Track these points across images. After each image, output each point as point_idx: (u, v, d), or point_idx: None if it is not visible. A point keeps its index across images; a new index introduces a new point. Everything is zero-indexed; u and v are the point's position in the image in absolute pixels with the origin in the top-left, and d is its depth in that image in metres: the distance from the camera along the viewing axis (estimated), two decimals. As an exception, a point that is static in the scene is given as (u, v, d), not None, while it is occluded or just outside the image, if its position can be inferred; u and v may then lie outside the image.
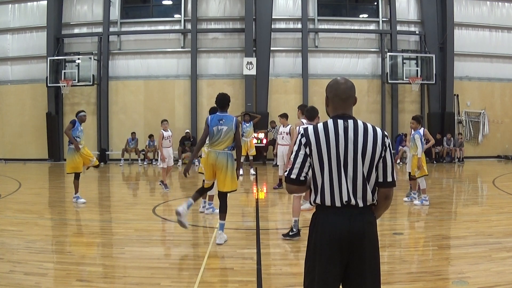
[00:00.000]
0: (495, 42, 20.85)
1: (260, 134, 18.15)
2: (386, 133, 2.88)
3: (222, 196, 6.42)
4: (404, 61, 20.02)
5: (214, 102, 6.75)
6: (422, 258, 5.79)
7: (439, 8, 20.04)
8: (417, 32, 20.60)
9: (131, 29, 20.82)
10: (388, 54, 19.65)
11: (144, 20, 20.88)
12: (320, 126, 2.82)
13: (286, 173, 2.88)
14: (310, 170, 2.82)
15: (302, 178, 2.81)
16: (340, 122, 2.83)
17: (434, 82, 19.55)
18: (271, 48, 19.75)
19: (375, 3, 20.97)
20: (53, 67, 19.59)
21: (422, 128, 9.54)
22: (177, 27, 20.65)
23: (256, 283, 4.82)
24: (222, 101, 6.64)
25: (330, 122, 2.84)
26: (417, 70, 19.77)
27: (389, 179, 2.85)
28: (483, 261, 5.45)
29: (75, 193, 9.78)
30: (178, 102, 20.45)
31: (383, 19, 20.63)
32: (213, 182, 6.66)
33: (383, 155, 2.81)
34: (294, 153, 2.84)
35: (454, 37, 19.95)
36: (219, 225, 6.38)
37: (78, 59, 19.95)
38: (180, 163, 18.88)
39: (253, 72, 19.13)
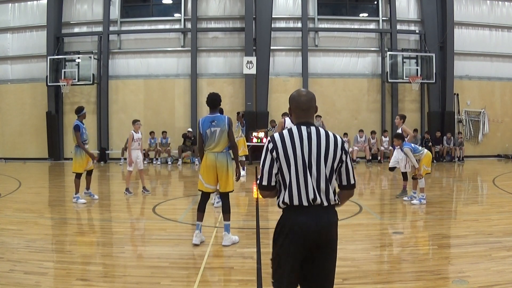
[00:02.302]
0: (495, 41, 20.85)
1: (260, 133, 18.16)
2: (344, 140, 3.20)
3: (225, 196, 6.39)
4: (404, 60, 20.03)
5: (205, 103, 6.53)
6: (422, 257, 5.79)
7: (439, 7, 20.05)
8: (417, 31, 20.60)
9: (131, 28, 20.82)
10: (388, 53, 19.65)
11: (144, 19, 20.88)
12: (285, 131, 3.07)
13: (258, 181, 3.10)
14: (279, 173, 3.03)
15: (273, 183, 3.05)
16: (304, 128, 3.07)
17: (434, 81, 19.55)
18: (271, 47, 19.75)
19: (375, 2, 20.97)
20: (53, 66, 19.60)
21: (403, 125, 10.28)
22: (177, 26, 20.65)
23: (256, 282, 4.82)
24: (213, 101, 6.44)
25: (295, 128, 3.08)
26: (417, 69, 19.77)
27: (352, 181, 3.14)
28: (483, 260, 5.45)
29: (76, 193, 9.75)
30: (178, 101, 20.45)
31: (383, 18, 20.63)
32: (215, 187, 6.47)
33: (343, 159, 3.07)
34: (262, 161, 3.06)
35: (454, 36, 19.95)
36: (224, 226, 6.30)
37: (78, 58, 19.95)
38: (180, 162, 18.89)
39: (253, 71, 19.13)
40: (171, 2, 21.17)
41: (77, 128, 9.69)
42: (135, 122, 11.14)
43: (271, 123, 18.75)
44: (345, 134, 19.59)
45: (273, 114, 18.98)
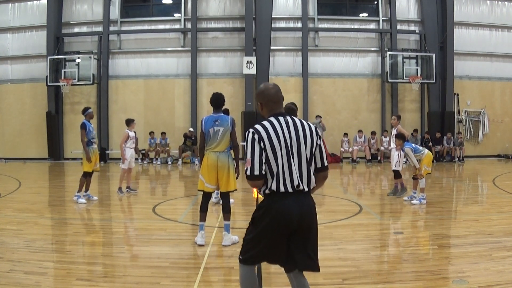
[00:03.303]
0: (495, 41, 20.86)
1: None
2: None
3: (225, 196, 6.38)
4: (404, 60, 20.04)
5: (209, 102, 6.51)
6: (422, 257, 5.78)
7: (439, 7, 20.05)
8: (417, 31, 20.60)
9: (131, 28, 20.83)
10: (388, 53, 19.65)
11: (144, 19, 20.89)
12: (265, 122, 3.19)
13: (246, 171, 3.17)
14: (266, 163, 3.16)
15: (263, 172, 3.16)
16: (281, 118, 3.22)
17: (434, 81, 19.56)
18: (271, 47, 19.75)
19: (375, 2, 20.98)
20: (53, 66, 19.61)
21: (399, 126, 10.45)
22: (177, 26, 20.65)
23: (257, 281, 4.81)
24: (217, 101, 6.42)
25: (273, 119, 3.21)
26: (417, 69, 19.78)
27: (326, 163, 3.34)
28: (483, 260, 5.45)
29: (78, 191, 9.73)
30: (178, 101, 20.45)
31: (383, 18, 20.63)
32: (216, 187, 6.44)
33: (318, 143, 3.26)
34: (249, 152, 3.14)
35: (454, 36, 19.96)
36: (224, 226, 6.29)
37: (78, 58, 19.97)
38: (180, 162, 18.89)
39: (253, 71, 19.13)
40: (171, 2, 21.18)
41: (83, 126, 9.71)
42: (130, 121, 11.16)
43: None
44: (345, 134, 19.61)
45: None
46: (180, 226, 7.66)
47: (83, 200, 9.67)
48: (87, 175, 9.75)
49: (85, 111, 9.97)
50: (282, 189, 3.12)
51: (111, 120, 20.32)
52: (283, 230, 3.13)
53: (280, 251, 3.20)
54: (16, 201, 10.08)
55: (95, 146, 9.91)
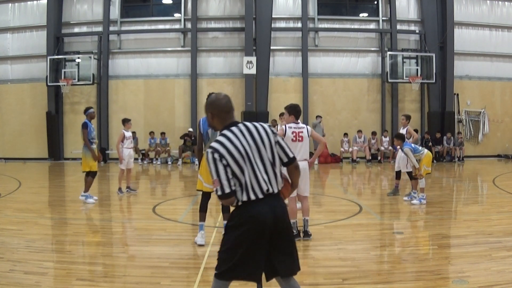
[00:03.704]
0: (495, 41, 20.86)
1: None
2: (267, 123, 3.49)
3: None
4: (404, 60, 20.03)
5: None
6: (422, 257, 5.78)
7: (439, 7, 20.05)
8: (417, 31, 20.60)
9: (131, 28, 20.83)
10: (388, 53, 19.65)
11: (144, 19, 20.89)
12: (221, 138, 3.19)
13: (217, 192, 3.16)
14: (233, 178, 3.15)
15: (233, 188, 3.14)
16: (234, 128, 3.23)
17: (434, 81, 19.56)
18: (271, 47, 19.75)
19: (375, 2, 20.98)
20: (53, 66, 19.61)
21: (409, 126, 10.36)
22: (177, 26, 20.65)
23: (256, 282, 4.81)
24: None
25: (227, 132, 3.22)
26: (417, 69, 19.78)
27: (290, 155, 3.34)
28: (483, 260, 5.45)
29: (85, 191, 9.71)
30: (178, 101, 20.45)
31: (383, 18, 20.63)
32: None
33: (276, 140, 3.28)
34: (214, 173, 3.13)
35: (454, 36, 19.96)
36: (224, 226, 6.28)
37: (78, 58, 19.97)
38: (180, 162, 18.90)
39: (253, 71, 19.13)
40: (171, 2, 21.18)
41: (84, 126, 9.65)
42: (126, 121, 11.13)
43: (272, 122, 18.71)
44: (345, 134, 19.61)
45: (273, 114, 18.96)
46: (180, 226, 7.66)
47: (92, 200, 9.66)
48: (90, 174, 9.73)
49: (86, 110, 9.93)
50: (252, 197, 3.14)
51: (111, 120, 20.31)
52: (259, 237, 3.11)
53: (257, 262, 3.15)
54: (16, 201, 10.08)
55: (94, 146, 9.88)
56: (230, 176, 3.13)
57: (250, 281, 3.29)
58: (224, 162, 3.12)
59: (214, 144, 3.17)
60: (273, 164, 3.23)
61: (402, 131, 10.36)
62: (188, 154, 19.11)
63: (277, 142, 3.28)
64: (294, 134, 6.44)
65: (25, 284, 4.70)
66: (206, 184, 6.30)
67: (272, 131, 3.29)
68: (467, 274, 4.92)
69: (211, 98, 3.38)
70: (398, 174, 10.37)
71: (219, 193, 3.14)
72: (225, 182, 3.12)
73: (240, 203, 3.18)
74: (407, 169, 10.04)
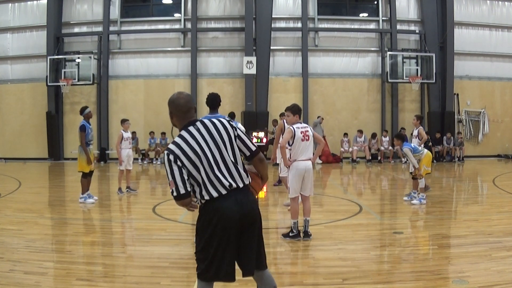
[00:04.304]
0: (495, 41, 20.86)
1: (260, 133, 18.17)
2: (227, 118, 3.38)
3: None
4: (404, 60, 20.03)
5: (205, 103, 6.50)
6: (422, 257, 5.79)
7: (439, 7, 20.05)
8: (417, 31, 20.60)
9: (131, 28, 20.83)
10: (388, 53, 19.65)
11: (144, 19, 20.89)
12: (177, 139, 3.19)
13: (172, 193, 3.16)
14: (190, 178, 3.16)
15: (189, 188, 3.16)
16: (191, 128, 3.22)
17: (434, 81, 19.56)
18: (271, 47, 19.75)
19: (375, 2, 20.98)
20: (53, 66, 19.61)
21: (421, 127, 10.26)
22: (177, 26, 20.65)
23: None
24: (213, 101, 6.40)
25: (184, 132, 3.22)
26: (417, 69, 19.77)
27: (253, 148, 3.33)
28: (483, 260, 5.45)
29: (82, 193, 9.66)
30: (178, 101, 20.40)
31: (383, 18, 20.63)
32: None
33: (236, 134, 3.26)
34: (169, 174, 3.15)
35: (454, 36, 19.96)
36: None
37: (78, 58, 19.96)
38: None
39: (253, 71, 19.13)
40: (171, 2, 21.18)
41: (82, 128, 9.48)
42: (124, 121, 11.09)
43: (273, 122, 18.73)
44: (345, 134, 19.61)
45: (273, 114, 18.98)
46: (180, 226, 7.66)
47: (91, 200, 9.65)
48: (86, 176, 9.69)
49: (83, 111, 9.74)
50: (215, 194, 3.12)
51: (111, 120, 20.31)
52: (228, 233, 3.09)
53: (229, 260, 3.15)
54: (16, 201, 10.08)
55: (91, 147, 9.81)
56: (186, 177, 3.13)
57: (226, 281, 3.22)
58: (179, 163, 3.12)
59: (170, 146, 3.19)
60: (235, 159, 3.21)
61: (415, 132, 10.32)
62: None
63: (238, 136, 3.26)
64: (302, 134, 6.51)
65: (25, 284, 4.70)
66: None
67: (231, 125, 3.27)
68: (467, 274, 4.92)
69: (171, 97, 3.37)
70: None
71: (174, 194, 3.14)
72: (180, 183, 3.13)
73: (203, 201, 3.16)
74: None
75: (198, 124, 3.24)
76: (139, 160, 19.09)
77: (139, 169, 17.46)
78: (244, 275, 3.25)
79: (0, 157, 20.42)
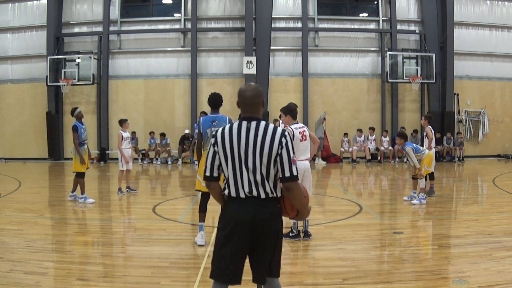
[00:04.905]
0: (495, 41, 20.86)
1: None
2: (286, 133, 3.17)
3: None
4: (404, 60, 20.03)
5: (207, 102, 6.51)
6: (422, 257, 5.79)
7: (439, 7, 20.05)
8: (417, 31, 20.60)
9: (131, 28, 20.83)
10: (388, 53, 19.65)
11: (144, 19, 20.89)
12: (227, 127, 3.23)
13: (205, 172, 3.28)
14: (221, 166, 3.22)
15: (215, 174, 3.24)
16: (244, 123, 3.20)
17: (434, 81, 19.56)
18: (271, 47, 19.75)
19: (375, 2, 20.99)
20: (53, 66, 19.61)
21: (428, 126, 10.18)
22: (177, 26, 20.65)
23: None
24: (215, 101, 6.43)
25: (236, 124, 3.23)
26: (417, 69, 19.77)
27: (286, 174, 3.13)
28: (483, 260, 5.45)
29: (81, 193, 9.68)
30: (178, 101, 20.45)
31: (383, 18, 20.63)
32: None
33: (279, 152, 3.13)
34: (207, 154, 3.27)
35: (454, 36, 19.95)
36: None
37: (78, 58, 19.97)
38: (180, 162, 18.89)
39: (253, 71, 19.13)
40: (171, 2, 21.18)
41: (74, 129, 9.61)
42: (123, 121, 11.10)
43: (273, 122, 18.73)
44: (345, 134, 19.61)
45: (273, 114, 18.95)
46: (180, 226, 7.66)
47: (91, 200, 9.66)
48: (80, 176, 9.69)
49: (73, 112, 9.85)
50: (233, 193, 3.16)
51: (111, 120, 20.30)
52: (239, 237, 3.12)
53: (236, 264, 3.16)
54: (16, 201, 10.08)
55: (86, 146, 9.85)
56: (217, 163, 3.21)
57: (230, 283, 3.24)
58: (216, 148, 3.21)
59: (219, 130, 3.26)
60: (266, 171, 3.13)
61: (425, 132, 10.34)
62: (188, 154, 19.10)
63: (280, 155, 3.12)
64: (301, 134, 6.52)
65: (25, 284, 4.70)
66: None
67: (281, 143, 3.12)
68: (467, 274, 4.92)
69: (241, 87, 3.36)
70: (432, 175, 10.00)
71: (205, 173, 3.27)
72: (208, 166, 3.23)
73: (226, 194, 3.22)
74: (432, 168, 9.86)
75: (253, 122, 3.18)
76: (139, 160, 19.09)
77: (139, 169, 17.45)
78: (254, 280, 3.27)
79: (0, 157, 20.41)
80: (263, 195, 3.13)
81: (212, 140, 3.23)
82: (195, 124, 12.02)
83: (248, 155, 3.12)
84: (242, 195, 3.14)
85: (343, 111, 20.50)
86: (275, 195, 3.17)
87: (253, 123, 3.18)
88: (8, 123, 20.68)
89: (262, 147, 3.11)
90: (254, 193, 3.13)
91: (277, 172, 3.15)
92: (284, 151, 3.13)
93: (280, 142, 3.12)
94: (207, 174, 3.25)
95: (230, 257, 3.16)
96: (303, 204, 3.24)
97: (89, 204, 9.49)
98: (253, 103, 3.24)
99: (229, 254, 3.16)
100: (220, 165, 3.21)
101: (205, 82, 20.28)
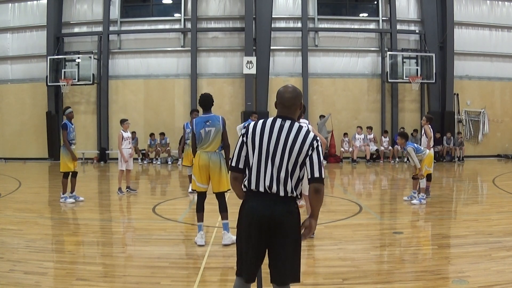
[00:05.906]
0: (495, 41, 20.87)
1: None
2: (318, 138, 3.20)
3: (220, 196, 6.36)
4: (404, 60, 20.04)
5: (197, 103, 6.54)
6: (422, 257, 5.79)
7: (439, 7, 20.06)
8: (417, 31, 20.60)
9: (131, 28, 20.83)
10: (388, 53, 19.66)
11: (144, 19, 20.90)
12: (261, 120, 3.25)
13: (230, 162, 3.33)
14: (247, 157, 3.23)
15: (240, 165, 3.25)
16: (279, 120, 3.21)
17: (434, 81, 19.56)
18: (271, 47, 19.76)
19: (375, 2, 20.99)
20: (53, 66, 19.62)
21: (427, 125, 10.39)
22: (177, 26, 20.66)
23: (256, 282, 4.81)
24: (206, 102, 6.45)
25: (270, 119, 3.25)
26: (417, 69, 19.78)
27: (316, 175, 3.12)
28: (483, 260, 5.45)
29: (63, 193, 9.77)
30: (178, 101, 20.45)
31: (383, 18, 20.64)
32: (208, 186, 6.41)
33: (309, 153, 3.13)
34: (236, 144, 3.30)
35: (454, 36, 19.97)
36: (223, 225, 6.28)
37: (78, 58, 19.97)
38: (180, 162, 18.87)
39: (253, 71, 19.13)
40: (171, 2, 21.19)
41: (64, 127, 9.74)
42: (122, 121, 11.13)
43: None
44: (345, 134, 19.61)
45: (273, 114, 18.88)
46: (180, 226, 7.66)
47: (71, 200, 9.71)
48: (67, 176, 9.77)
49: (64, 111, 10.03)
50: (253, 186, 3.15)
51: (111, 120, 20.32)
52: (253, 230, 3.12)
53: (252, 259, 3.17)
54: (16, 201, 10.08)
55: (73, 147, 9.90)
56: (244, 154, 3.23)
57: (246, 280, 3.24)
58: (245, 139, 3.23)
59: (251, 122, 3.30)
60: (292, 170, 3.13)
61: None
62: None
63: (310, 156, 3.12)
64: None
65: (25, 284, 4.70)
66: (199, 184, 6.31)
67: (312, 145, 3.13)
68: (467, 274, 4.92)
69: (280, 88, 3.34)
70: (429, 176, 9.89)
71: (231, 163, 3.30)
72: (235, 156, 3.26)
73: (244, 188, 3.23)
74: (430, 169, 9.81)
75: (287, 121, 3.19)
76: (139, 160, 19.09)
77: (139, 169, 17.45)
78: (272, 281, 3.23)
79: (0, 157, 20.42)
80: (282, 193, 3.12)
81: (243, 131, 3.26)
82: (186, 123, 11.95)
83: (277, 151, 3.13)
84: (261, 189, 3.13)
85: (343, 111, 20.50)
86: (294, 194, 3.16)
87: (288, 122, 3.19)
88: (8, 123, 20.68)
89: (293, 146, 3.12)
90: (274, 189, 3.11)
91: (302, 173, 3.17)
92: (314, 154, 3.15)
93: (312, 145, 3.14)
94: (233, 164, 3.26)
95: (245, 253, 3.19)
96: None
97: (69, 204, 9.50)
98: (291, 105, 3.24)
99: (245, 249, 3.18)
100: (246, 156, 3.21)
101: (205, 82, 20.28)
